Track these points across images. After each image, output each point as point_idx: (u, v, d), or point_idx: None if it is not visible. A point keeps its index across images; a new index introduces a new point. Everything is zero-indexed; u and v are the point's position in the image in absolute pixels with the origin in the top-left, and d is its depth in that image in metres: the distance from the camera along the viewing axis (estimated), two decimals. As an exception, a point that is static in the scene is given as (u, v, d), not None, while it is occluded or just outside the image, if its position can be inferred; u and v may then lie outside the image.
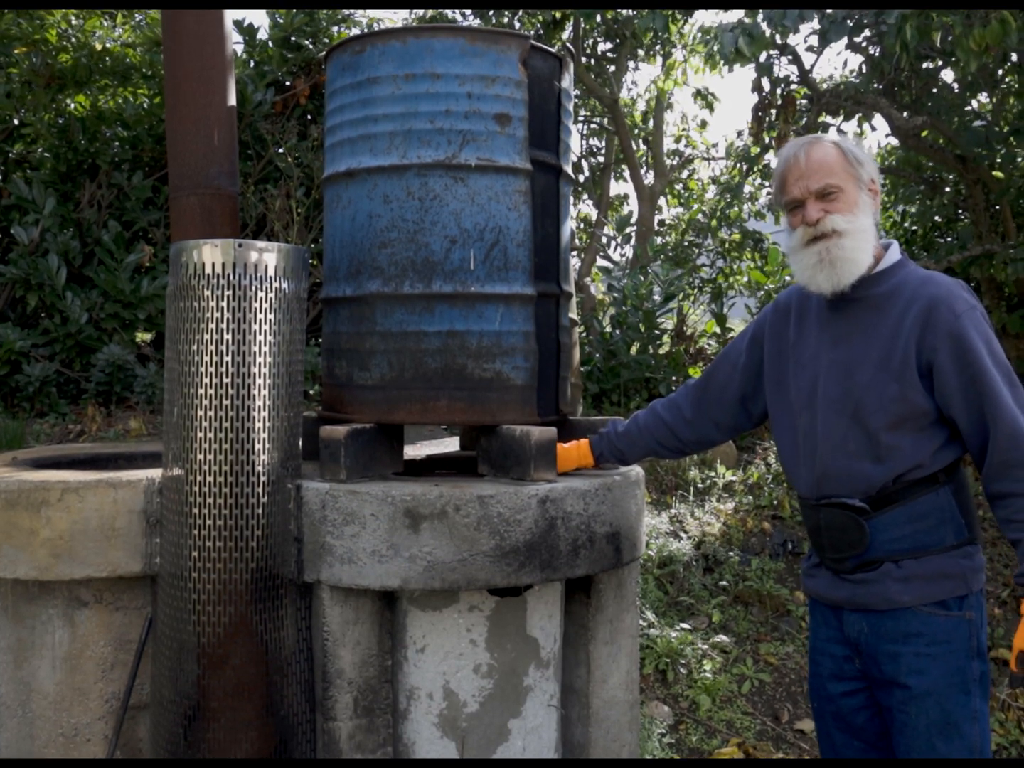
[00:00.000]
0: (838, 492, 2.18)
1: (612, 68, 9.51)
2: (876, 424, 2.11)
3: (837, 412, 2.17)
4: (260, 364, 2.40)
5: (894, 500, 2.13)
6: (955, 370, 2.05)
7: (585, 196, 10.54)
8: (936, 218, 7.14)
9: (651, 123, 10.28)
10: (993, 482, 2.06)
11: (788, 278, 6.84)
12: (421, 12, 8.97)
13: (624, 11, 8.34)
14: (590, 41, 9.41)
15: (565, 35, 8.64)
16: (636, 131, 10.27)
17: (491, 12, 8.05)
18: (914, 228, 7.44)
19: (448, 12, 8.81)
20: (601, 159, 10.49)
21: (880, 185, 2.24)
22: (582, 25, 8.65)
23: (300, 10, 6.33)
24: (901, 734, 2.15)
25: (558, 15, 8.39)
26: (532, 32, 8.44)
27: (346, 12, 6.63)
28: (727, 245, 8.48)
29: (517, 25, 8.33)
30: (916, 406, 2.09)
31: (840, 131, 6.58)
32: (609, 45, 9.49)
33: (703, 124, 10.79)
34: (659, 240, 8.96)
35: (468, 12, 8.45)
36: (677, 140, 10.77)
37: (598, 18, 8.46)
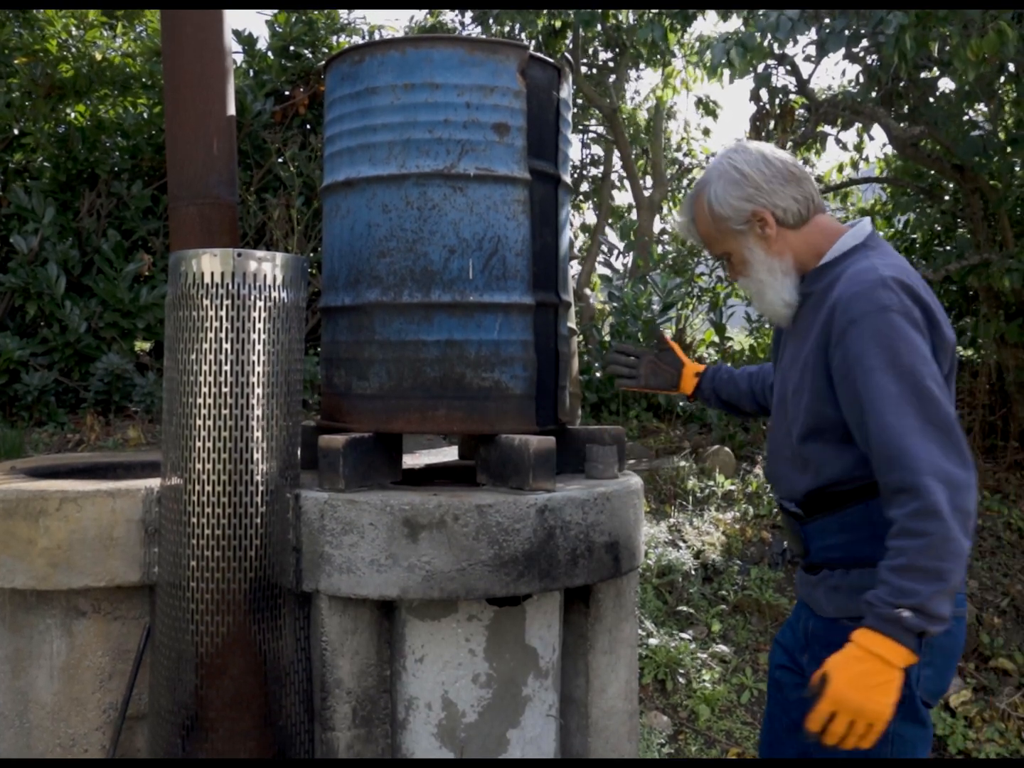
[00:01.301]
0: (780, 495, 2.21)
1: (612, 78, 9.54)
2: (796, 432, 2.08)
3: (780, 417, 2.17)
4: (259, 373, 2.40)
5: (825, 509, 2.08)
6: (845, 382, 1.91)
7: (588, 205, 10.56)
8: (936, 226, 7.15)
9: (652, 131, 10.29)
10: (884, 508, 1.87)
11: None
12: (421, 20, 9.01)
13: (624, 21, 8.36)
14: (590, 50, 9.44)
15: (565, 44, 8.67)
16: (639, 139, 10.28)
17: (491, 20, 8.07)
18: (913, 236, 7.45)
19: (448, 22, 8.84)
20: (602, 168, 10.50)
21: (797, 191, 2.10)
22: (582, 34, 8.68)
23: (299, 20, 6.35)
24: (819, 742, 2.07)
25: (558, 24, 8.42)
26: (533, 42, 8.47)
27: (345, 21, 6.65)
28: (726, 254, 8.46)
29: (521, 35, 8.34)
30: (827, 418, 2.00)
31: (838, 140, 6.59)
32: (609, 55, 9.52)
33: (706, 131, 10.81)
34: (659, 249, 8.97)
35: (469, 22, 8.49)
36: (677, 148, 10.79)
37: (598, 27, 8.48)
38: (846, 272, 1.99)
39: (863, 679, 1.76)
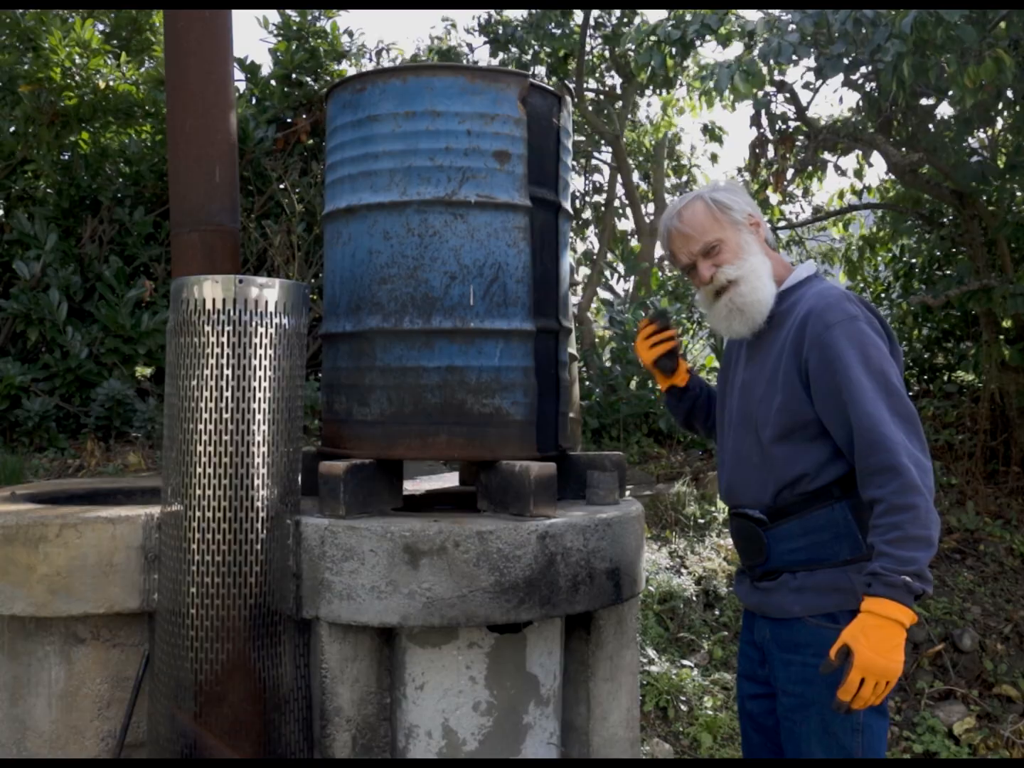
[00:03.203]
0: (742, 503, 2.30)
1: (619, 104, 9.58)
2: (767, 436, 2.21)
3: (745, 429, 2.29)
4: (260, 399, 2.40)
5: (789, 513, 2.20)
6: (824, 378, 2.10)
7: (588, 231, 10.59)
8: (935, 252, 7.17)
9: (655, 158, 10.33)
10: (863, 490, 2.05)
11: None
12: (427, 43, 9.10)
13: (630, 50, 8.41)
14: (596, 74, 9.49)
15: (571, 71, 8.73)
16: (642, 165, 10.32)
17: (501, 53, 8.15)
18: (913, 262, 7.46)
19: (458, 45, 8.92)
20: (605, 194, 10.54)
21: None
22: (587, 60, 8.73)
23: (301, 48, 6.41)
24: (788, 741, 2.22)
25: (561, 52, 8.48)
26: (543, 67, 8.53)
27: (347, 47, 6.71)
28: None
29: (527, 58, 8.40)
30: (800, 416, 2.16)
31: (837, 167, 6.62)
32: (617, 79, 9.57)
33: (714, 157, 10.86)
34: (660, 275, 8.99)
35: (479, 45, 8.61)
36: (679, 175, 10.82)
37: (605, 53, 8.55)
38: (807, 294, 2.23)
39: (884, 643, 1.91)
